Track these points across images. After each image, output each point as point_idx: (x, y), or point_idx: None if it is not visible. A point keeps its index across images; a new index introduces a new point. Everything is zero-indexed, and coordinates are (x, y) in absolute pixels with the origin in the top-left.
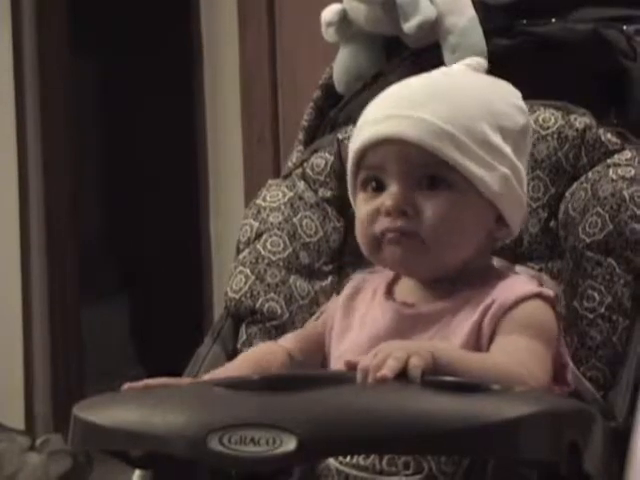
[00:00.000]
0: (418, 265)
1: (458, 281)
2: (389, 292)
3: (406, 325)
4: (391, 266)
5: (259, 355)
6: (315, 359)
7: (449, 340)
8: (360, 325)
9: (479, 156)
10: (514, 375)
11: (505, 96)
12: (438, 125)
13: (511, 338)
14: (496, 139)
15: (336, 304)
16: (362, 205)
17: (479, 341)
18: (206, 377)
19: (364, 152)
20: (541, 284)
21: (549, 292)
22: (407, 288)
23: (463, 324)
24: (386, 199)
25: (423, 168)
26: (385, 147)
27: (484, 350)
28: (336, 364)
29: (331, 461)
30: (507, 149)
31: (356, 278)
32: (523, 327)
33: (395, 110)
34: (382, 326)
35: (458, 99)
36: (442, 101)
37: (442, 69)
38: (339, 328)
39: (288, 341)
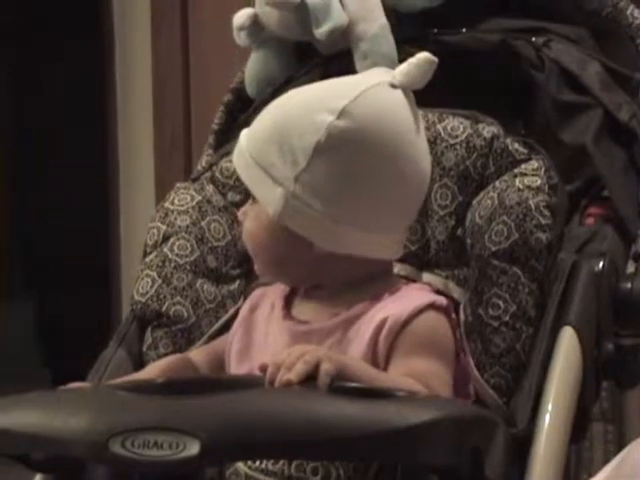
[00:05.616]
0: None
1: (351, 295)
2: (287, 309)
3: (301, 342)
4: None
5: (167, 365)
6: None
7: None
8: (261, 346)
9: (259, 178)
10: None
11: (309, 112)
12: (241, 147)
13: (409, 361)
14: (281, 160)
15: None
16: None
17: (375, 359)
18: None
19: None
20: (434, 292)
21: (442, 301)
22: (304, 303)
23: (356, 340)
24: None
25: None
26: None
27: (381, 368)
28: None
29: (240, 465)
30: (295, 168)
31: (255, 294)
32: (419, 346)
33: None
34: (281, 346)
35: (266, 119)
36: (258, 122)
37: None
38: (239, 345)
39: (196, 354)
